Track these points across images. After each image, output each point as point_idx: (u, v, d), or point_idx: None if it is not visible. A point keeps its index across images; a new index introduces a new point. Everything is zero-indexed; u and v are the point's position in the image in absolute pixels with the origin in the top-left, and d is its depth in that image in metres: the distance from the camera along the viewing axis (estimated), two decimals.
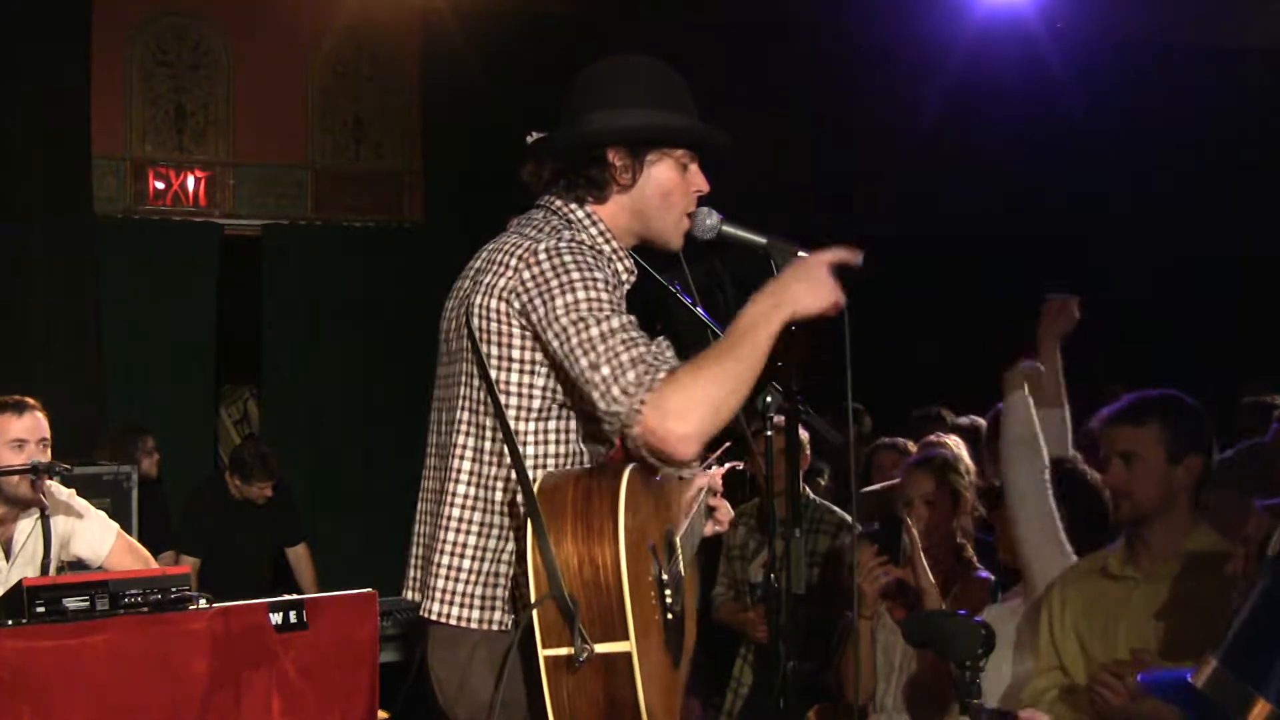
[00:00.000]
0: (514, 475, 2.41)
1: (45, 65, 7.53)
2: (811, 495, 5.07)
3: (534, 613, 2.18)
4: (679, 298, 2.90)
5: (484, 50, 8.42)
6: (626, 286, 2.56)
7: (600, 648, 2.16)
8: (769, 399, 2.68)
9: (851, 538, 4.50)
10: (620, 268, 2.55)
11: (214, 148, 8.81)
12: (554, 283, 2.35)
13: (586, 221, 2.53)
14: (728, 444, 2.89)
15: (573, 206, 2.54)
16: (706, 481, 2.84)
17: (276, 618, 3.25)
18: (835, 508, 5.01)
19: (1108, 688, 2.97)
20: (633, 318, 2.35)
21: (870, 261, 2.41)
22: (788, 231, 2.51)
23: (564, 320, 2.32)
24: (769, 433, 3.10)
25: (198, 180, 8.77)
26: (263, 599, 3.32)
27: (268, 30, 8.78)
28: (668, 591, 2.38)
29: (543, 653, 2.19)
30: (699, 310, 2.89)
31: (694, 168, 2.58)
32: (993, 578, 3.97)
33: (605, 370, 2.26)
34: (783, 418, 2.59)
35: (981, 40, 8.19)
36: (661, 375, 2.24)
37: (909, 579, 3.80)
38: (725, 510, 2.90)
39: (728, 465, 2.95)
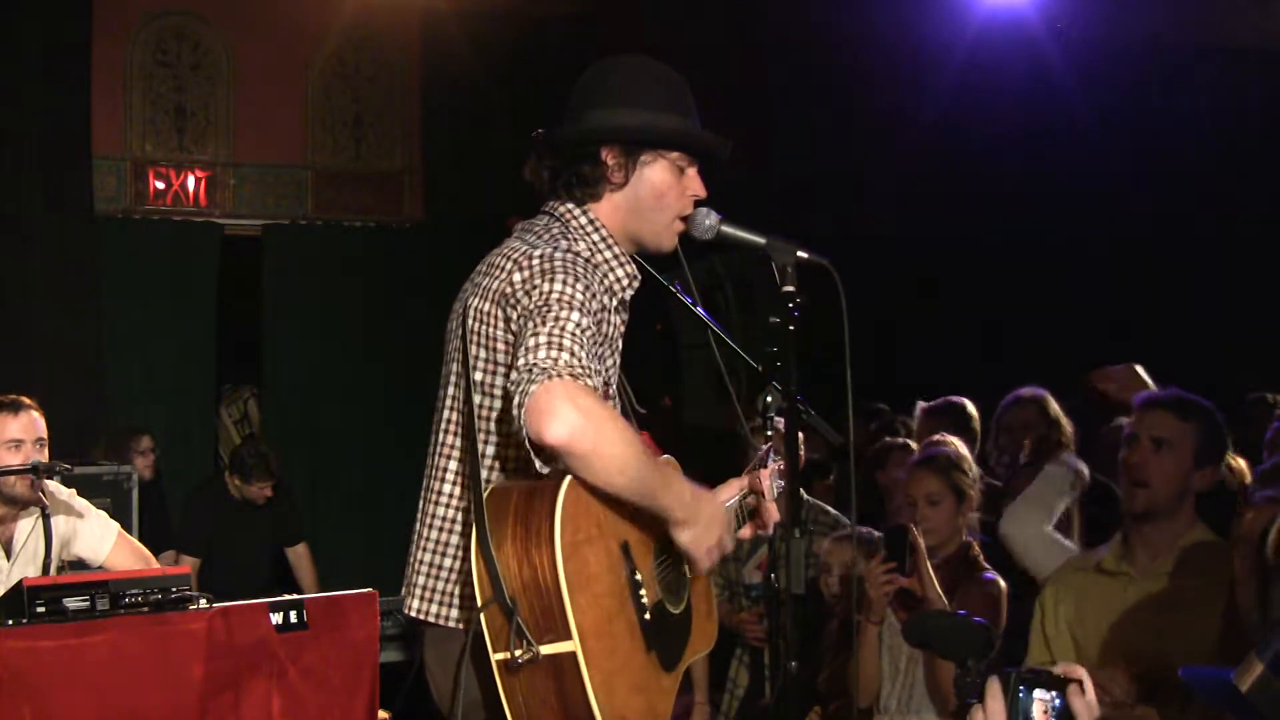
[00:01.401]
0: (494, 477, 2.41)
1: (45, 65, 7.53)
2: (805, 496, 5.05)
3: (482, 617, 2.19)
4: (679, 298, 2.89)
5: (484, 50, 8.42)
6: (629, 293, 2.55)
7: (546, 649, 2.16)
8: (769, 399, 2.65)
9: (833, 539, 4.48)
10: (620, 273, 2.53)
11: (214, 148, 8.81)
12: (538, 280, 2.35)
13: (589, 228, 2.52)
14: (768, 445, 2.84)
15: (575, 211, 2.53)
16: (744, 484, 2.78)
17: (276, 618, 3.25)
18: (829, 508, 5.00)
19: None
20: (593, 329, 2.32)
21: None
22: (788, 232, 2.50)
23: (530, 305, 2.32)
24: (769, 433, 3.09)
25: (198, 180, 8.76)
26: (263, 599, 3.32)
27: (268, 30, 8.77)
28: (643, 591, 2.36)
29: (494, 657, 2.20)
30: (699, 310, 2.88)
31: (691, 172, 2.56)
32: (1000, 579, 3.94)
33: (533, 342, 2.23)
34: (782, 418, 2.58)
35: (981, 40, 8.18)
36: (566, 377, 2.16)
37: (915, 588, 3.77)
38: (768, 513, 2.80)
39: (773, 465, 2.83)
